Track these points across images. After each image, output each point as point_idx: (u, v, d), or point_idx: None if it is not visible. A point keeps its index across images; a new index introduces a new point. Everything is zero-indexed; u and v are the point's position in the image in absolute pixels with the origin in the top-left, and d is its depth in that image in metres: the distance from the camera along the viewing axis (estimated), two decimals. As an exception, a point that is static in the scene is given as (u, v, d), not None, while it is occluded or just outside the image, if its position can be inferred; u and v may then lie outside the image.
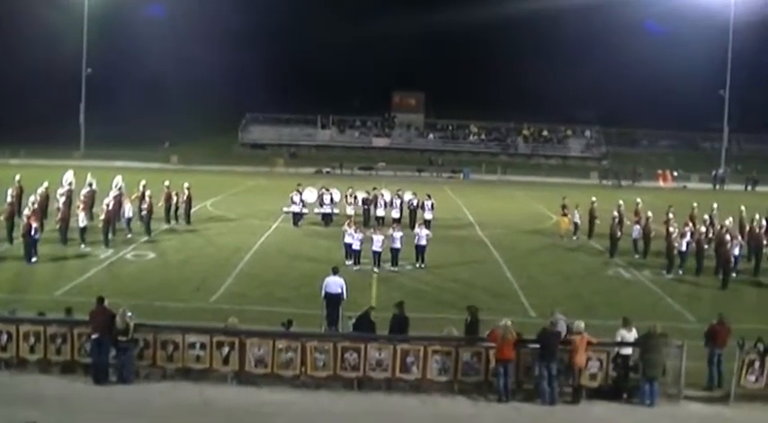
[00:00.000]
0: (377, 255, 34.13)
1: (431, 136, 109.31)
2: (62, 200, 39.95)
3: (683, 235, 36.34)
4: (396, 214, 44.07)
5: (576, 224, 44.21)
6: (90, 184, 44.26)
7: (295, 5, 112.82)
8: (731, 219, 38.71)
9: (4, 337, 21.07)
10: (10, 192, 39.80)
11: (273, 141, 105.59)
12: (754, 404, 20.53)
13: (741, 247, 36.22)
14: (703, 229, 37.49)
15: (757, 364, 20.56)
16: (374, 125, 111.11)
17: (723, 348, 21.22)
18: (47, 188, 42.24)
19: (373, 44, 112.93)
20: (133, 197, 41.78)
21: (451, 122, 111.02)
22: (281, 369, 20.73)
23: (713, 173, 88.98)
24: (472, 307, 22.99)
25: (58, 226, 37.72)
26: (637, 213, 42.05)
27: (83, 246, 36.62)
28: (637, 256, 38.93)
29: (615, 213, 40.39)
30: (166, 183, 44.91)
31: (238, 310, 25.62)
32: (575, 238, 43.80)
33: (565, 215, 44.52)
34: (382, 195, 46.15)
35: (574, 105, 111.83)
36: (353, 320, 22.66)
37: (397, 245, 34.54)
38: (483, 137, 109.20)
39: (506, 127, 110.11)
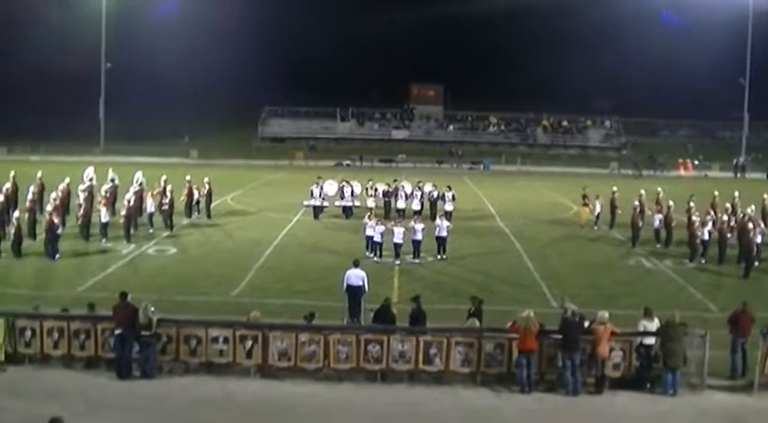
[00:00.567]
0: (398, 247, 34.15)
1: (450, 127, 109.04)
2: (83, 196, 40.16)
3: (704, 224, 36.15)
4: (416, 206, 44.08)
5: (596, 214, 44.09)
6: (112, 180, 44.53)
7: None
8: (753, 207, 38.55)
9: (28, 332, 21.19)
10: (32, 188, 39.93)
11: (293, 135, 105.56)
12: (778, 393, 20.40)
13: (764, 234, 35.92)
14: (725, 217, 37.34)
15: (781, 352, 20.43)
16: (393, 117, 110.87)
17: (747, 337, 21.08)
18: (68, 184, 42.50)
19: (391, 36, 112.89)
20: (155, 192, 41.89)
21: (471, 114, 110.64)
22: (303, 362, 20.73)
23: (734, 161, 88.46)
24: (476, 297, 22.94)
25: (79, 222, 37.92)
26: (658, 203, 41.82)
27: (104, 241, 36.78)
28: (658, 246, 38.76)
29: (636, 203, 40.32)
30: (188, 177, 45.15)
31: (260, 303, 25.60)
32: (595, 228, 43.68)
33: (585, 205, 44.44)
34: (403, 187, 46.24)
35: (592, 95, 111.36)
36: (372, 313, 22.69)
37: (419, 237, 34.52)
38: (502, 128, 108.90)
39: (526, 117, 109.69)
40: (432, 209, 44.10)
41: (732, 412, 19.54)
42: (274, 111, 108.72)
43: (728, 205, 40.31)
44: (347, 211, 45.56)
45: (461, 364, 20.73)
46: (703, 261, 35.36)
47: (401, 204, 44.82)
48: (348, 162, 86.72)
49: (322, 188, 46.03)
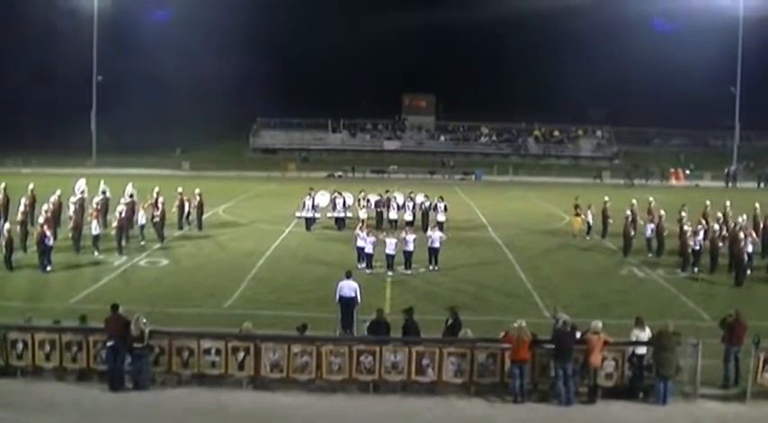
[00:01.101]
0: (390, 258, 34.11)
1: (442, 138, 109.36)
2: (74, 208, 40.12)
3: (696, 233, 36.21)
4: (408, 217, 44.19)
5: (588, 224, 44.14)
6: (103, 192, 44.50)
7: (304, 9, 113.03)
8: (744, 216, 38.60)
9: (20, 345, 21.12)
10: (23, 200, 39.85)
11: (284, 146, 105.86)
12: (771, 401, 20.43)
13: (755, 244, 36.05)
14: (717, 226, 37.37)
15: (773, 361, 20.46)
16: (385, 128, 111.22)
17: (740, 346, 21.09)
18: (59, 196, 42.41)
19: (383, 47, 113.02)
20: (146, 204, 41.83)
21: (462, 124, 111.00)
22: (296, 373, 20.69)
23: (726, 170, 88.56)
24: (454, 307, 22.97)
25: (70, 234, 37.83)
26: (650, 212, 41.84)
27: (96, 253, 36.71)
28: (650, 255, 38.79)
29: (628, 212, 40.40)
30: (180, 189, 45.12)
31: (252, 314, 25.64)
32: (588, 237, 43.75)
33: (578, 215, 44.55)
34: (395, 198, 46.31)
35: (584, 105, 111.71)
36: (368, 324, 22.68)
37: (410, 247, 34.48)
38: (494, 138, 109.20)
39: (517, 128, 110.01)
40: (424, 220, 44.13)
41: (725, 421, 19.56)
42: (266, 122, 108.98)
43: (720, 214, 40.37)
44: (339, 223, 45.48)
45: (454, 374, 20.69)
46: (695, 270, 35.40)
47: (393, 215, 44.86)
48: (340, 173, 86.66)
49: (314, 199, 45.99)
